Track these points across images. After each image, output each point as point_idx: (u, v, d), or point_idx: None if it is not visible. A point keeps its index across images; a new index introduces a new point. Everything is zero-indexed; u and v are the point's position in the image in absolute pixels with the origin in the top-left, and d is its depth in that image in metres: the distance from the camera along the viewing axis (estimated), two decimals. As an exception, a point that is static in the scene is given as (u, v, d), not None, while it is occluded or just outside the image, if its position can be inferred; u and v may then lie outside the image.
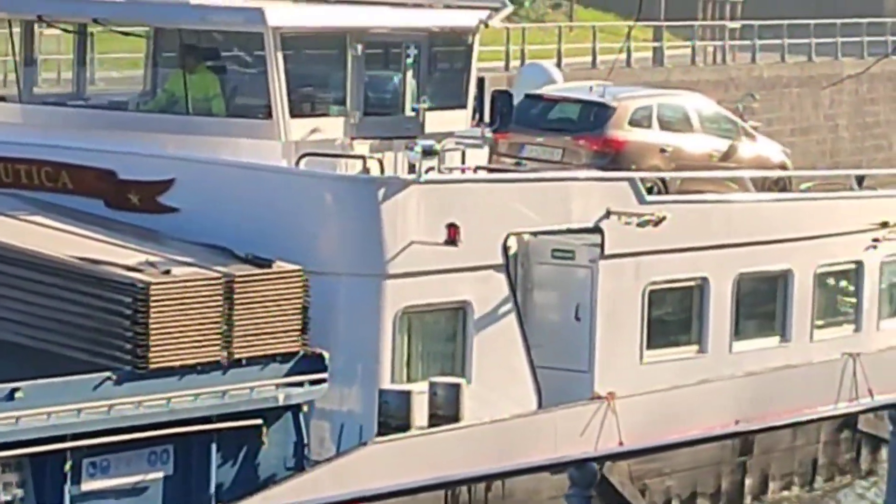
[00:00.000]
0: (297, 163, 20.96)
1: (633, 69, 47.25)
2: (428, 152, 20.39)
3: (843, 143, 53.82)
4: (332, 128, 21.64)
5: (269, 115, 21.07)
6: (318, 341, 19.81)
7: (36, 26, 22.71)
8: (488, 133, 21.65)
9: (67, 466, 18.66)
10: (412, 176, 20.26)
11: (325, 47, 23.05)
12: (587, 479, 8.36)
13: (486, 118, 21.91)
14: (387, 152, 21.55)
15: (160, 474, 19.32)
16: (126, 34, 22.72)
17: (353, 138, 21.53)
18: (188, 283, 18.57)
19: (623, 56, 45.95)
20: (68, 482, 18.71)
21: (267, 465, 19.55)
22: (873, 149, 54.76)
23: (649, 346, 22.54)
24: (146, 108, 22.45)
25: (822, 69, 52.81)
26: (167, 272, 18.48)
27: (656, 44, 50.49)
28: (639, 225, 21.45)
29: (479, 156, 23.03)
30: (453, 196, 21.02)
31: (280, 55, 20.98)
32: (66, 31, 23.17)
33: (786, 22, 52.88)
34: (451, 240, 20.07)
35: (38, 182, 21.30)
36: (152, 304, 18.53)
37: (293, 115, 21.24)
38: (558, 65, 42.97)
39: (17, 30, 22.73)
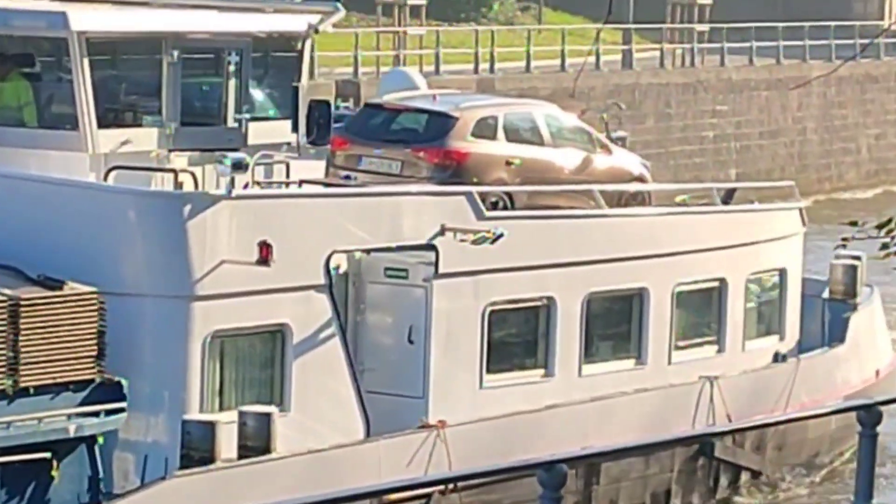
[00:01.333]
0: (106, 176, 19.66)
1: (602, 72, 47.31)
2: (238, 166, 19.08)
3: (811, 146, 54.25)
4: (145, 139, 20.46)
5: (76, 126, 19.82)
6: (121, 367, 18.44)
7: None
8: (307, 146, 20.50)
9: None
10: (221, 191, 18.96)
11: (139, 53, 21.81)
12: (557, 480, 8.52)
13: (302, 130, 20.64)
14: (208, 165, 20.29)
15: None
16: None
17: (170, 150, 20.34)
18: None
19: (592, 59, 46.12)
20: None
21: (58, 501, 18.17)
22: (841, 152, 55.50)
23: (490, 371, 21.33)
24: None
25: (791, 72, 53.06)
26: None
27: (625, 47, 50.50)
28: (474, 242, 20.21)
29: (314, 169, 21.82)
30: (268, 212, 19.89)
31: (86, 62, 19.83)
32: None
33: (754, 25, 53.11)
34: (264, 259, 18.77)
35: None
36: None
37: (102, 125, 20.04)
38: (527, 68, 42.57)
39: None
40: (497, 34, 47.75)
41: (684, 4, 55.90)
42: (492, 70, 44.46)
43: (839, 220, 27.39)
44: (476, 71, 44.34)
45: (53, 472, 17.96)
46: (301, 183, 20.69)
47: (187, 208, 18.87)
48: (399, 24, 46.68)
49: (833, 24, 54.66)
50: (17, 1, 21.40)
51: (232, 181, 19.01)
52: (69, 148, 19.90)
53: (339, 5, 22.03)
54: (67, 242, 19.08)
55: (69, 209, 19.25)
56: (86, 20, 19.99)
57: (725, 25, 52.45)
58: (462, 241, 20.32)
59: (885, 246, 14.02)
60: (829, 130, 54.92)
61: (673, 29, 54.47)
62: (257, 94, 21.73)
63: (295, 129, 20.69)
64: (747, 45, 52.79)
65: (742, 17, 54.76)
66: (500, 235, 20.26)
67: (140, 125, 20.76)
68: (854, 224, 23.84)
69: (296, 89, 20.97)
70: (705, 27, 54.55)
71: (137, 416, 18.47)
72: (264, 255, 18.86)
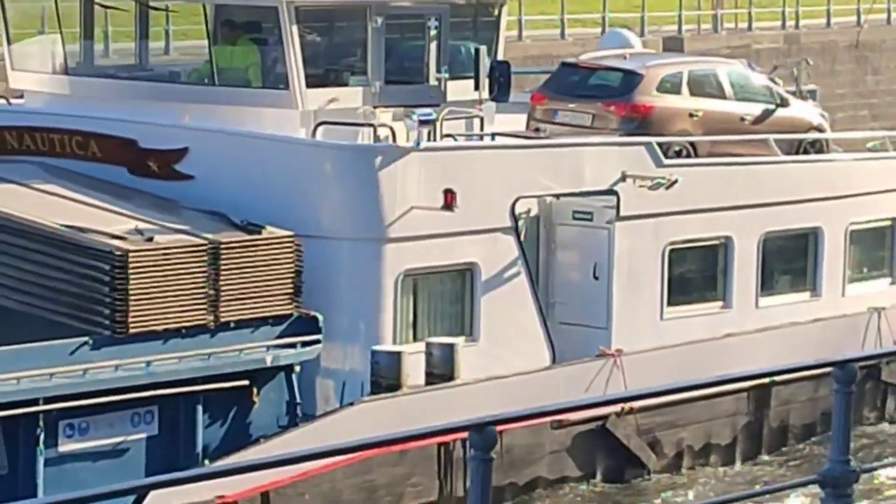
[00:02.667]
0: (314, 131, 21.00)
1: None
2: (425, 121, 20.38)
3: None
4: (351, 97, 21.75)
5: (287, 86, 21.26)
6: (317, 304, 19.89)
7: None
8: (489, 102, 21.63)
9: (40, 429, 18.95)
10: (410, 144, 20.25)
11: (345, 19, 23.14)
12: (488, 442, 8.20)
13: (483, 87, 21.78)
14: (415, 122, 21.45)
15: (143, 435, 19.55)
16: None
17: (375, 107, 21.54)
18: (170, 251, 18.80)
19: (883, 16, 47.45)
20: (41, 445, 18.98)
21: (258, 424, 19.71)
22: None
23: (670, 303, 22.50)
24: (189, 80, 22.95)
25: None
26: (150, 240, 18.77)
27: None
28: (651, 188, 21.32)
29: (512, 122, 23.14)
30: (454, 163, 21.06)
31: (295, 28, 21.20)
32: (119, 9, 23.52)
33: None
34: (448, 205, 20.04)
35: (70, 150, 21.78)
36: (131, 271, 18.79)
37: (310, 85, 21.34)
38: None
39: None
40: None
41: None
42: (797, 26, 46.50)
43: None
44: (783, 27, 46.22)
45: (254, 398, 19.46)
46: (494, 135, 21.88)
47: (379, 160, 20.12)
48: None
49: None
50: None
51: (421, 135, 20.18)
52: (281, 105, 21.24)
53: None
54: (273, 191, 20.47)
55: (276, 162, 20.65)
56: None
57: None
58: (641, 186, 21.37)
59: None
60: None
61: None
62: (455, 55, 22.62)
63: (476, 87, 21.60)
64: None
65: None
66: (675, 182, 21.29)
67: (347, 84, 21.95)
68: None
69: (477, 51, 21.87)
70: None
71: (333, 347, 19.83)
72: (448, 201, 20.06)
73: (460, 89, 22.14)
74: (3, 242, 19.82)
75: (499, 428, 8.86)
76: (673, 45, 39.08)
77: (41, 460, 19.09)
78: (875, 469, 19.27)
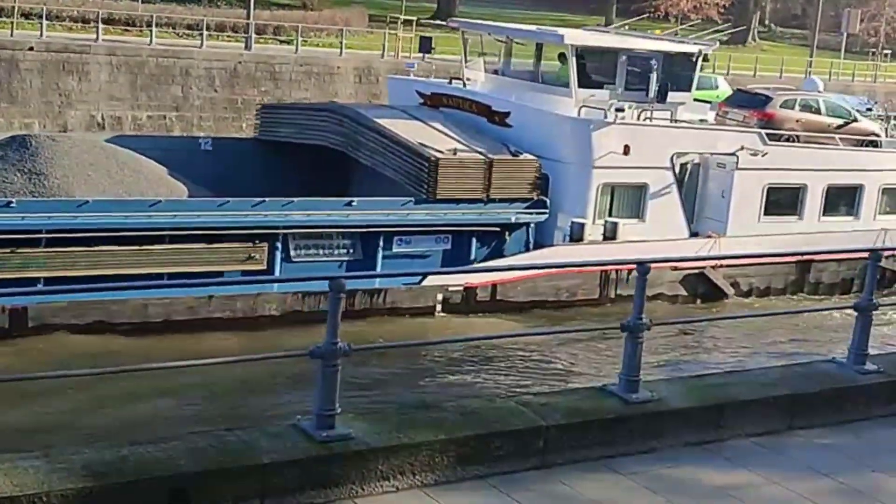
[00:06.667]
0: (579, 111, 30.66)
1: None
2: (619, 109, 29.96)
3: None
4: (604, 95, 31.38)
5: (568, 86, 31.59)
6: (555, 194, 29.05)
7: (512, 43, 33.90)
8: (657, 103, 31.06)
9: (381, 239, 26.92)
10: (609, 119, 29.95)
11: (604, 53, 32.49)
12: (645, 270, 9.82)
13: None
14: (633, 110, 30.92)
15: (441, 248, 27.73)
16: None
17: (619, 101, 31.06)
18: (463, 159, 27.77)
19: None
20: (381, 248, 26.74)
21: (507, 250, 28.53)
22: None
23: (765, 214, 31.79)
24: (526, 78, 33.01)
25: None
26: (454, 153, 27.78)
27: None
28: (753, 154, 31.55)
29: (703, 113, 33.04)
30: (633, 131, 30.33)
31: (574, 58, 31.34)
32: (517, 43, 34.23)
33: None
34: (625, 152, 29.91)
35: (466, 107, 31.84)
36: (440, 169, 27.36)
37: (580, 86, 31.38)
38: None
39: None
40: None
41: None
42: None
43: None
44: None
45: (506, 237, 28.71)
46: (670, 120, 31.74)
47: (591, 126, 29.99)
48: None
49: None
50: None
51: (605, 114, 29.52)
52: (565, 95, 31.53)
53: (716, 44, 32.73)
54: (547, 138, 29.70)
55: (549, 124, 30.13)
56: (573, 37, 31.83)
57: None
58: (751, 154, 31.70)
59: None
60: None
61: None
62: (668, 78, 31.59)
63: (647, 94, 30.78)
64: None
65: None
66: (766, 154, 31.40)
67: (602, 88, 31.86)
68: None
69: (648, 76, 30.65)
70: None
71: (554, 217, 29.27)
72: (625, 151, 30.05)
73: (672, 97, 31.07)
74: (390, 145, 28.29)
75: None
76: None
77: (381, 255, 26.78)
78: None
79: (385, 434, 8.59)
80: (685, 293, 30.67)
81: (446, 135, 29.30)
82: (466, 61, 34.53)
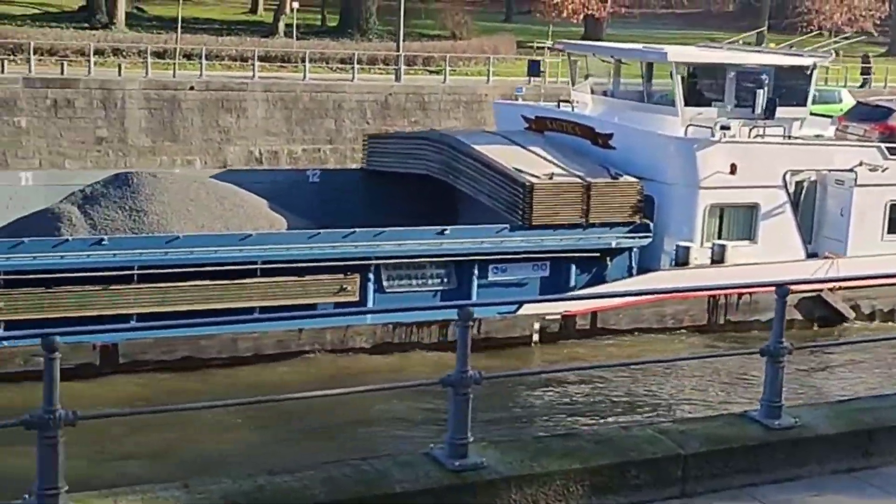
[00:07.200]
0: (686, 131, 29.77)
1: None
2: (724, 127, 28.80)
3: None
4: (712, 113, 30.35)
5: (674, 104, 30.61)
6: (661, 217, 28.16)
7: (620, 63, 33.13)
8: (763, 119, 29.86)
9: (476, 268, 26.57)
10: (716, 138, 28.84)
11: (712, 69, 31.51)
12: (784, 292, 9.60)
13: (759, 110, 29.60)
14: (744, 127, 29.87)
15: (538, 275, 27.27)
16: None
17: (727, 118, 30.01)
18: (559, 184, 27.39)
19: None
20: (476, 277, 26.50)
21: (609, 276, 27.92)
22: None
23: (888, 232, 30.07)
24: (633, 98, 31.97)
25: None
26: (550, 177, 27.36)
27: None
28: (871, 169, 29.94)
29: (824, 128, 31.72)
30: (741, 149, 29.19)
31: (678, 75, 30.43)
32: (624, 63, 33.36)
33: None
34: (732, 172, 28.74)
35: (569, 130, 31.33)
36: (535, 194, 26.98)
37: (687, 105, 30.33)
38: None
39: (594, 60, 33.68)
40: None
41: None
42: None
43: None
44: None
45: (608, 263, 28.09)
46: (783, 136, 30.39)
47: (696, 146, 28.97)
48: None
49: None
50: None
51: (712, 133, 28.48)
52: (670, 114, 30.60)
53: (832, 55, 31.26)
54: (650, 159, 28.80)
55: (652, 145, 29.24)
56: (676, 54, 30.90)
57: None
58: (870, 170, 30.06)
59: None
60: None
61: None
62: (780, 94, 30.44)
63: (754, 111, 29.70)
64: None
65: None
66: (886, 169, 29.78)
67: (710, 105, 30.76)
68: None
69: (754, 92, 29.54)
70: None
71: (659, 240, 28.25)
72: (732, 170, 28.83)
73: (783, 112, 29.92)
74: (486, 171, 27.98)
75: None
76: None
77: (475, 284, 26.55)
78: None
79: (518, 463, 8.58)
80: (801, 317, 29.43)
81: (545, 159, 28.90)
82: (574, 84, 33.79)
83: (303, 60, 53.67)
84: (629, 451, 8.89)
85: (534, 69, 37.41)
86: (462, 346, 8.48)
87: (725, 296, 28.57)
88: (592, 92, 33.51)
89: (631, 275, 28.27)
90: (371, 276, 26.35)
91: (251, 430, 21.91)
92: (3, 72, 47.81)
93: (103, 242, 24.64)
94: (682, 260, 28.40)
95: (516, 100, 35.18)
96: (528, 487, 8.40)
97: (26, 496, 7.36)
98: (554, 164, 28.83)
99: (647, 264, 28.51)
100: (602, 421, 22.79)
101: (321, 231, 26.33)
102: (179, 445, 21.11)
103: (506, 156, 28.61)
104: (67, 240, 24.75)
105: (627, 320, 28.26)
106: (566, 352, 27.10)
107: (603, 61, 33.31)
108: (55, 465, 7.25)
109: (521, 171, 27.89)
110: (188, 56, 53.95)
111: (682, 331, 28.72)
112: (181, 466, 19.63)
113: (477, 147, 29.16)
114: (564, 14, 69.61)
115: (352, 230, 26.37)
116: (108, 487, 7.72)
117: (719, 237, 29.10)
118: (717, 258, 28.65)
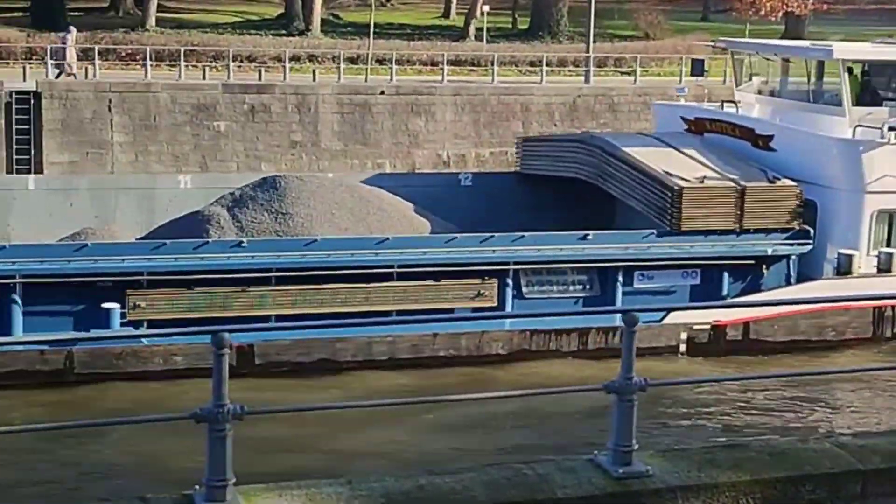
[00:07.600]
0: (854, 132, 27.75)
1: None
2: (893, 128, 26.90)
3: None
4: (882, 113, 28.49)
5: (841, 104, 28.86)
6: (823, 223, 26.58)
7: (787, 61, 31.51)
8: None
9: (621, 274, 25.51)
10: (884, 139, 26.94)
11: (883, 67, 29.64)
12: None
13: None
14: None
15: (688, 283, 26.04)
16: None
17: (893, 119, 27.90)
18: (711, 188, 26.09)
19: None
20: (621, 284, 25.62)
21: (765, 285, 26.48)
22: None
23: None
24: (801, 98, 30.31)
25: None
26: (702, 181, 26.12)
27: None
28: None
29: None
30: None
31: (846, 74, 28.66)
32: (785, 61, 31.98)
33: None
34: None
35: (729, 132, 29.87)
36: (684, 198, 25.87)
37: (856, 104, 28.56)
38: None
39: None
40: None
41: None
42: None
43: None
44: None
45: (763, 272, 26.64)
46: None
47: (862, 148, 27.16)
48: None
49: None
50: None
51: (881, 133, 26.65)
52: (837, 115, 28.87)
53: None
54: (811, 164, 27.26)
55: (814, 147, 27.62)
56: (842, 51, 29.12)
57: None
58: None
59: None
60: None
61: None
62: None
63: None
64: None
65: None
66: None
67: (881, 105, 28.98)
68: None
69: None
70: None
71: (821, 248, 26.67)
72: None
73: None
74: (635, 175, 26.88)
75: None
76: None
77: (620, 291, 25.58)
78: None
79: (684, 473, 8.34)
80: None
81: (699, 162, 27.75)
82: (739, 83, 32.43)
83: (491, 63, 53.16)
84: (804, 465, 8.53)
85: (697, 68, 36.01)
86: (627, 352, 8.30)
87: (892, 307, 26.78)
88: (759, 92, 32.06)
89: (789, 284, 26.83)
90: (509, 281, 25.75)
91: (400, 429, 21.94)
92: (204, 78, 48.67)
93: (242, 245, 24.83)
94: (845, 269, 26.70)
95: (678, 100, 33.84)
96: (695, 499, 8.16)
97: (197, 487, 7.63)
98: (708, 167, 27.65)
99: (806, 273, 26.99)
100: (776, 432, 21.99)
101: (458, 235, 25.93)
102: (331, 441, 21.05)
103: (657, 159, 27.67)
104: (207, 242, 25.04)
105: (783, 332, 26.68)
106: (738, 360, 26.02)
107: (767, 59, 31.70)
108: (223, 457, 7.55)
109: (670, 174, 26.87)
110: (380, 61, 54.13)
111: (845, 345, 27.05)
112: (333, 462, 19.87)
113: (627, 150, 28.18)
114: (762, 12, 67.18)
115: (490, 234, 25.84)
116: (274, 481, 7.84)
117: (888, 245, 27.40)
118: (884, 267, 26.88)
